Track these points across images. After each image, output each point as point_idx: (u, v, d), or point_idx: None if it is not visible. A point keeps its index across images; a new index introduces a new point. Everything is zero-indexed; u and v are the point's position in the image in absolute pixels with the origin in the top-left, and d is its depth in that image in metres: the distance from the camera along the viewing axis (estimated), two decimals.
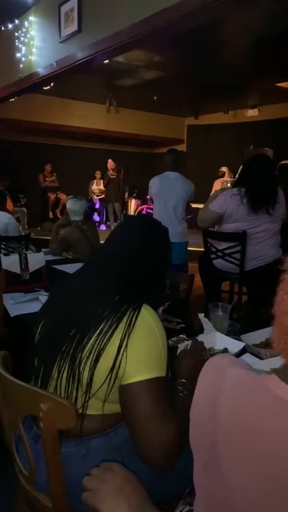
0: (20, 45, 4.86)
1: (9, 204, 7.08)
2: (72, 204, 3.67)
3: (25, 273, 2.32)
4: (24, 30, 4.79)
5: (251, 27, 4.73)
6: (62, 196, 9.34)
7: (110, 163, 9.11)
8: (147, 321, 1.01)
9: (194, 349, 1.22)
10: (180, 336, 1.54)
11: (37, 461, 1.05)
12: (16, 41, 4.89)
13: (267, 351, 1.41)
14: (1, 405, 1.15)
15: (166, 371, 1.01)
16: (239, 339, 1.51)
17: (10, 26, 4.92)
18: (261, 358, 1.38)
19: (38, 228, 8.53)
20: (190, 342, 1.30)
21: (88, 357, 0.99)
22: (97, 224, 8.93)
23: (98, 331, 1.00)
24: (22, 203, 8.66)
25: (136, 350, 0.97)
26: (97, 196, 9.79)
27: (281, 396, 0.60)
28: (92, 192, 9.99)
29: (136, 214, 9.39)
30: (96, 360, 0.98)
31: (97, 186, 9.91)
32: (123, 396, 0.97)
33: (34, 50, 4.73)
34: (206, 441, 0.67)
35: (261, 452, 0.59)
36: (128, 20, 3.28)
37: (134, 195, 9.88)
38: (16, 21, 4.85)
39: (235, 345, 1.45)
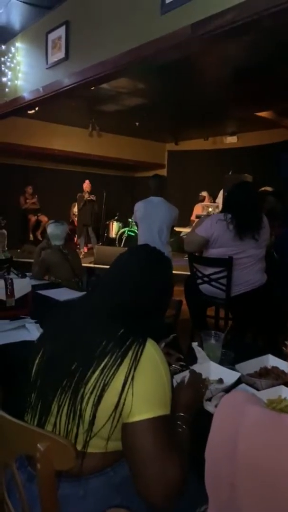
0: (6, 70, 4.89)
1: None
2: (53, 229, 3.65)
3: (11, 300, 2.25)
4: (10, 55, 4.82)
5: (231, 58, 4.90)
6: (43, 218, 9.28)
7: (87, 185, 9.10)
8: (152, 356, 0.99)
9: (193, 381, 1.20)
10: (176, 365, 1.51)
11: (31, 503, 0.99)
12: (2, 66, 4.91)
13: (262, 381, 1.40)
14: None
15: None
16: (234, 369, 1.49)
17: None
18: (257, 389, 1.37)
19: (18, 250, 8.40)
20: (187, 373, 1.27)
21: (91, 393, 0.95)
22: (78, 246, 8.88)
23: (102, 365, 0.96)
24: (2, 225, 8.55)
25: (142, 387, 0.94)
26: None
27: None
28: (74, 214, 9.97)
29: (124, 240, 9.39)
30: (100, 397, 0.94)
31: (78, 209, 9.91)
32: (126, 434, 0.94)
33: (20, 75, 4.77)
34: (224, 482, 0.65)
35: (284, 493, 0.58)
36: (115, 50, 3.35)
37: (116, 217, 9.93)
38: (3, 47, 4.89)
39: (230, 375, 1.43)
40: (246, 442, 0.64)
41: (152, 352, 0.99)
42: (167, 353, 1.58)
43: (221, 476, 0.67)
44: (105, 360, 0.97)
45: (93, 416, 0.95)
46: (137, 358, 0.96)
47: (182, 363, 1.53)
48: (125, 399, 0.93)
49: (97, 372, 0.96)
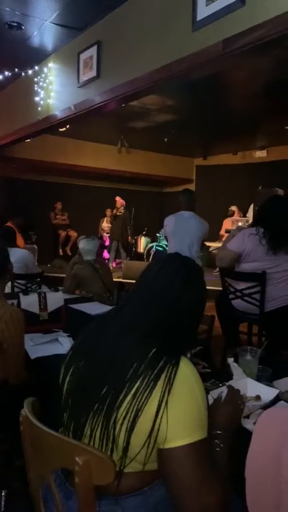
0: (39, 90, 5.05)
1: (20, 242, 7.15)
2: (85, 244, 3.70)
3: (44, 313, 2.28)
4: (43, 75, 4.98)
5: (262, 72, 4.90)
6: (73, 234, 9.43)
7: (119, 200, 9.23)
8: (187, 378, 0.94)
9: (231, 397, 1.16)
10: (212, 381, 1.48)
11: None
12: (35, 85, 5.08)
13: None
14: (28, 457, 1.09)
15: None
16: (271, 385, 1.45)
17: (29, 72, 5.13)
18: None
19: (48, 265, 8.55)
20: (223, 389, 1.24)
21: (124, 418, 0.92)
22: (107, 261, 8.95)
23: (134, 389, 0.92)
24: (33, 240, 8.73)
25: (177, 411, 0.90)
26: (107, 233, 9.88)
27: None
28: (102, 229, 10.11)
29: (150, 251, 9.41)
30: (133, 423, 0.90)
31: (107, 224, 10.04)
32: (163, 460, 0.91)
33: (52, 94, 4.91)
34: (270, 502, 0.62)
35: None
36: (146, 67, 3.40)
37: (144, 233, 9.97)
38: (36, 67, 5.07)
39: (268, 392, 1.38)
40: None
41: (186, 373, 0.94)
42: (194, 363, 1.55)
43: (265, 496, 0.64)
44: (137, 383, 0.92)
45: (127, 443, 0.91)
46: (170, 381, 0.91)
47: (207, 370, 1.50)
48: (159, 425, 0.89)
49: (129, 397, 0.92)
